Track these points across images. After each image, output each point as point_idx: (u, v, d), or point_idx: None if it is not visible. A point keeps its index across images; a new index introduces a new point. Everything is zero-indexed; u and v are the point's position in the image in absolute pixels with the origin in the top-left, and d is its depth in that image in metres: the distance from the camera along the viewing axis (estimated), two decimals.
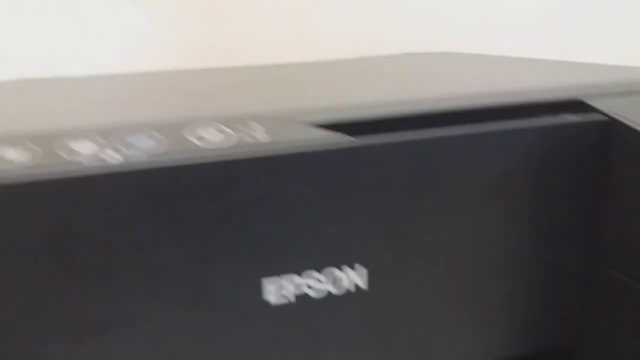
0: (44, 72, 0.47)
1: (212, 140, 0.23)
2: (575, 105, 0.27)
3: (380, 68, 0.46)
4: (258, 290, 0.24)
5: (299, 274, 0.25)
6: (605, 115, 0.26)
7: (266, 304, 0.25)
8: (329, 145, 0.23)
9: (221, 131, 0.24)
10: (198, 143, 0.23)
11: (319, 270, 0.25)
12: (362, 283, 0.26)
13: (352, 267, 0.25)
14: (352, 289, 0.26)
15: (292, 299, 0.25)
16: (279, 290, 0.25)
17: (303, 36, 0.60)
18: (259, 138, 0.23)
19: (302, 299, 0.25)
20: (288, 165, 0.23)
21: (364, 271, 0.26)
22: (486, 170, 0.26)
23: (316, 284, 0.25)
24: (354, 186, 0.24)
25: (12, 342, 0.22)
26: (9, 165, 0.21)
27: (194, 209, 0.23)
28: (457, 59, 0.50)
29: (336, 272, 0.25)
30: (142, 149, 0.22)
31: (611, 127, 0.26)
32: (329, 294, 0.25)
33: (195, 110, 0.28)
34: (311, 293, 0.25)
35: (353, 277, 0.25)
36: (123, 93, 0.36)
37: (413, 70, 0.43)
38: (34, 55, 0.50)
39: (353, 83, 0.35)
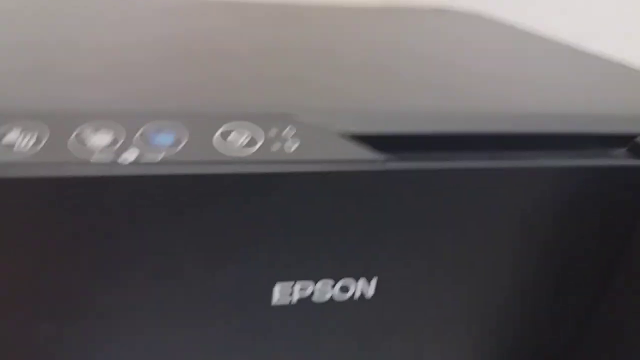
0: None
1: (236, 143, 0.21)
2: (628, 141, 0.25)
3: (411, 36, 0.42)
4: (268, 294, 0.24)
5: (314, 281, 0.24)
6: None
7: (272, 306, 0.24)
8: (358, 165, 0.22)
9: (248, 132, 0.22)
10: (221, 147, 0.21)
11: (334, 280, 0.25)
12: (369, 292, 0.25)
13: (367, 279, 0.25)
14: (357, 296, 0.25)
15: (295, 302, 0.25)
16: (286, 293, 0.24)
17: None
18: (286, 148, 0.22)
19: (305, 302, 0.25)
20: (312, 181, 0.22)
21: (373, 282, 0.25)
22: (517, 204, 0.24)
23: (324, 289, 0.25)
24: (379, 205, 0.23)
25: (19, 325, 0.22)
26: (10, 153, 0.19)
27: (208, 216, 0.22)
28: (492, 28, 0.47)
29: (348, 281, 0.25)
30: (161, 147, 0.21)
31: None
32: (332, 299, 0.25)
33: (223, 88, 0.26)
34: (315, 298, 0.25)
35: (361, 286, 0.25)
36: (150, 41, 0.33)
37: (448, 47, 0.40)
38: None
39: (392, 69, 0.32)
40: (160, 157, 0.20)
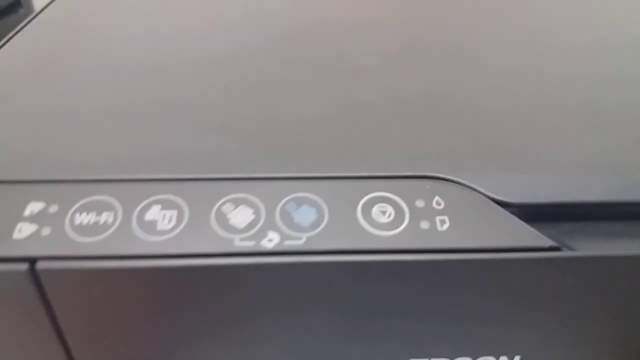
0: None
1: (380, 221, 0.19)
2: None
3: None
4: None
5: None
6: None
7: None
8: (523, 255, 0.19)
9: (394, 208, 0.20)
10: (365, 225, 0.19)
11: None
12: None
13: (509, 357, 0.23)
14: None
15: None
16: None
17: None
18: (437, 226, 0.19)
19: None
20: (463, 268, 0.19)
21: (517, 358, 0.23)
22: None
23: None
24: (534, 289, 0.20)
25: None
26: (153, 232, 0.19)
27: (351, 299, 0.20)
28: None
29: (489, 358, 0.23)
30: (302, 226, 0.19)
31: None
32: None
33: (362, 154, 0.22)
34: None
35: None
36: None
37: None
38: None
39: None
40: (303, 239, 0.19)
